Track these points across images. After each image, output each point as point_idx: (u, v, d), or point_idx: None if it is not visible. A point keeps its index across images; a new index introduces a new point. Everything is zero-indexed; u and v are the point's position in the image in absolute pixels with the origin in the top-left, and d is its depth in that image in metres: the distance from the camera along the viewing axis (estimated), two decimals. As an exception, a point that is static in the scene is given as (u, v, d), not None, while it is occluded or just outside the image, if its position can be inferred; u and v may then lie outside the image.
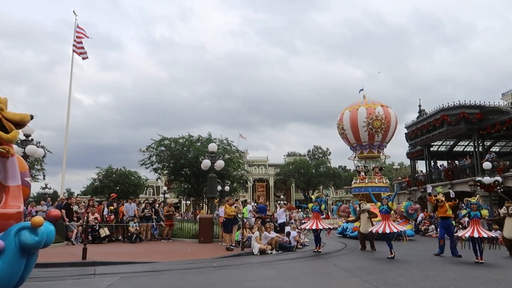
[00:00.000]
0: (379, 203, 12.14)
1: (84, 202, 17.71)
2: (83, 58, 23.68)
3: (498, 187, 20.93)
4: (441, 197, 11.84)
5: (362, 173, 21.44)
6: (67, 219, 14.56)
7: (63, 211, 14.74)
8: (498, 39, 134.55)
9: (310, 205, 12.95)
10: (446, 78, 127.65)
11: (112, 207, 16.58)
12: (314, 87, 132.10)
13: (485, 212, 10.18)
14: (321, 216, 12.75)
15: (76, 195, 45.90)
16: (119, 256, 10.96)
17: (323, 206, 12.73)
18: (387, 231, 10.82)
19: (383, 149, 21.87)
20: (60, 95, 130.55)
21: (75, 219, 15.20)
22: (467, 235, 9.84)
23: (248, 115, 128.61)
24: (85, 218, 13.13)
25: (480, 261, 9.52)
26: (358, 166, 22.16)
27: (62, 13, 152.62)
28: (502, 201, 11.30)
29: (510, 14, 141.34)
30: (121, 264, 9.55)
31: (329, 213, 31.89)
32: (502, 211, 11.63)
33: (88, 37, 23.86)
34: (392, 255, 10.52)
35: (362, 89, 23.22)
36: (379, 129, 20.70)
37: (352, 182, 22.31)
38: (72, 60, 25.17)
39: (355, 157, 22.36)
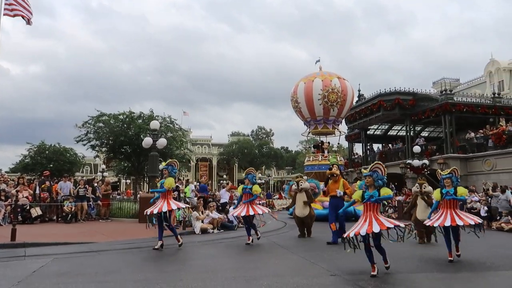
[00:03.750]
0: (359, 182, 9.96)
1: (13, 180, 16.57)
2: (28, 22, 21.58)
3: (426, 170, 22.60)
4: (335, 170, 9.63)
5: (326, 151, 20.20)
6: (-7, 198, 13.54)
7: (-11, 189, 13.70)
8: (435, 30, 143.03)
9: (240, 187, 9.90)
10: (387, 64, 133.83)
11: (45, 186, 15.67)
12: (261, 67, 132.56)
13: (462, 191, 7.31)
14: (258, 199, 10.20)
15: (3, 172, 42.79)
16: (53, 236, 10.42)
17: (257, 188, 9.45)
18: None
19: (339, 124, 20.87)
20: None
21: (3, 198, 14.18)
22: (436, 224, 7.10)
23: (193, 93, 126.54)
24: (15, 197, 12.29)
25: (457, 253, 7.20)
26: (322, 142, 20.78)
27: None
28: (429, 183, 10.84)
29: (447, 6, 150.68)
30: (54, 245, 9.10)
31: (282, 193, 32.01)
32: (414, 189, 10.09)
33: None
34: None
35: (319, 60, 21.93)
36: (335, 102, 19.55)
37: (305, 160, 21.29)
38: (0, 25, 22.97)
39: (309, 132, 21.34)
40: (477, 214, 15.56)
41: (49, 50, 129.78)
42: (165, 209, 8.24)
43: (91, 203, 15.81)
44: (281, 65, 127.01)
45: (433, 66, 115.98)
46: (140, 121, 23.97)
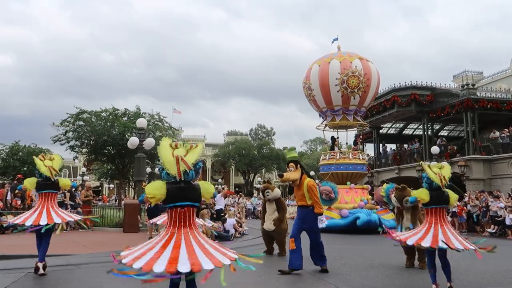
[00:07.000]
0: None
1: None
2: None
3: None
4: (291, 174, 7.23)
5: (336, 148, 18.91)
6: (-41, 205, 13.55)
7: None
8: (457, 16, 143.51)
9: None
10: (402, 55, 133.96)
11: (19, 192, 15.66)
12: (261, 58, 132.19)
13: (453, 197, 5.90)
14: None
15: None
16: (26, 248, 10.37)
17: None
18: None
19: (361, 115, 19.23)
20: None
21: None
22: (426, 244, 5.44)
23: (185, 87, 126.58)
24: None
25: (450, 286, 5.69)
26: (335, 138, 19.39)
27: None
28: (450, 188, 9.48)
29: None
30: (28, 257, 9.08)
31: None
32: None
33: None
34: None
35: (337, 39, 20.33)
36: (356, 88, 17.77)
37: (320, 159, 19.90)
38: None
39: (325, 125, 19.63)
40: (502, 222, 15.65)
41: (21, 39, 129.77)
42: (43, 221, 6.71)
43: (69, 210, 15.81)
44: (284, 56, 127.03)
45: (455, 57, 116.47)
46: (125, 119, 24.04)
